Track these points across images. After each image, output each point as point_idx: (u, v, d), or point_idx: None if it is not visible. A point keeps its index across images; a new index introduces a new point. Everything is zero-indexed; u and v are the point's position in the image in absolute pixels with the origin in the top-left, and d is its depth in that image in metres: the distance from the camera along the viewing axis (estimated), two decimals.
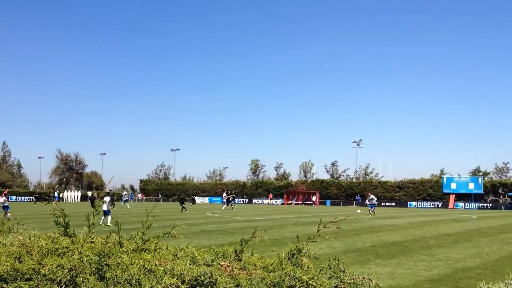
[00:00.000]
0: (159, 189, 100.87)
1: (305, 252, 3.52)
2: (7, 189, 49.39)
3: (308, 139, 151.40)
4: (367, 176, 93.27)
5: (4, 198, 30.85)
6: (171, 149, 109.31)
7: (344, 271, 3.23)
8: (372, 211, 38.63)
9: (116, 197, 74.18)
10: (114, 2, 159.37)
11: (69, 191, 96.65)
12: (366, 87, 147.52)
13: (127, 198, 64.14)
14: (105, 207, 28.20)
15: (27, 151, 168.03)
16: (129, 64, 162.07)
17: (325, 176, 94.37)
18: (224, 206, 51.25)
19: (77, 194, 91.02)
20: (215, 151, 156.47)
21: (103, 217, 26.87)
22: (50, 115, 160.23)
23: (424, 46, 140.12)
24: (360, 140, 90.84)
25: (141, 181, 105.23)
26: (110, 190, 79.50)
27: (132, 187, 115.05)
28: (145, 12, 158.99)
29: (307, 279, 3.04)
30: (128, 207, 57.48)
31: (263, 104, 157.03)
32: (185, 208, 43.48)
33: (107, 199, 29.05)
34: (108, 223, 25.99)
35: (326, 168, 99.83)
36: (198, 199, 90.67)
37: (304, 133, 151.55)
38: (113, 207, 43.46)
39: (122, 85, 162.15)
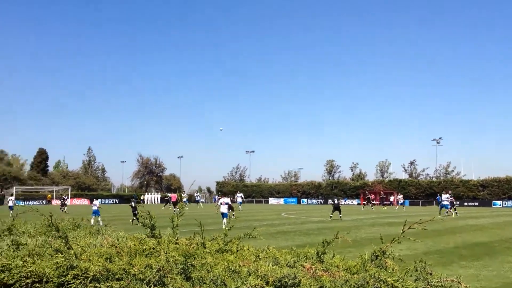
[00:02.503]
0: (235, 190, 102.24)
1: (389, 254, 3.44)
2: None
3: (384, 138, 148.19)
4: (447, 175, 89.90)
5: (97, 202, 32.53)
6: (246, 151, 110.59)
7: (431, 273, 3.12)
8: (450, 210, 37.04)
9: (192, 199, 76.05)
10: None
11: (149, 193, 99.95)
12: (445, 83, 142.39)
13: (199, 199, 66.32)
14: (95, 208, 30.23)
15: (110, 156, 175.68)
16: (202, 68, 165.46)
17: (403, 176, 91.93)
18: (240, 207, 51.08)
19: (157, 196, 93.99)
20: (290, 152, 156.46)
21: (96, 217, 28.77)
22: (131, 121, 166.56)
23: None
24: (440, 138, 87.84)
25: (218, 183, 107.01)
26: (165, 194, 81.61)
27: (208, 189, 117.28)
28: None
29: (392, 282, 2.97)
30: (202, 207, 58.99)
31: (338, 104, 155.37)
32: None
33: (95, 202, 31.39)
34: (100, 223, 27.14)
35: (404, 168, 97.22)
36: (273, 200, 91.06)
37: (381, 132, 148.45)
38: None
39: (199, 90, 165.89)
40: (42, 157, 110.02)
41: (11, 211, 34.88)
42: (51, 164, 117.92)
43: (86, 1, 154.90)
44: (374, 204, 55.98)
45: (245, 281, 2.60)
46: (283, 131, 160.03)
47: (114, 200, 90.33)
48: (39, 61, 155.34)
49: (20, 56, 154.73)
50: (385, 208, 57.19)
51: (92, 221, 29.30)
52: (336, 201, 34.89)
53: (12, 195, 51.03)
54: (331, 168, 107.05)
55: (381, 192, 68.29)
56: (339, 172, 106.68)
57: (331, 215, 33.53)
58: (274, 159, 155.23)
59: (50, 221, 3.87)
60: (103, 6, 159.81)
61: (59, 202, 65.39)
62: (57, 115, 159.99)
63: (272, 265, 3.03)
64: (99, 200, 35.26)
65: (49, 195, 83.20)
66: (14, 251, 3.43)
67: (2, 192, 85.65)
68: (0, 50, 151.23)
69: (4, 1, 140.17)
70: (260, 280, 2.66)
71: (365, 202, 58.98)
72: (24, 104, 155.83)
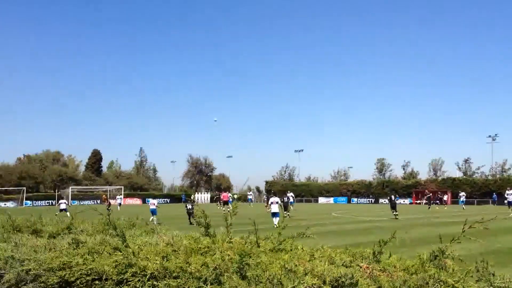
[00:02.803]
0: (285, 190, 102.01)
1: (448, 254, 3.33)
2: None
3: (437, 136, 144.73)
4: (504, 173, 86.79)
5: (155, 201, 33.29)
6: (295, 150, 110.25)
7: (493, 274, 3.01)
8: None
9: (242, 198, 76.58)
10: None
11: (199, 193, 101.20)
12: (498, 78, 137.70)
13: (250, 198, 66.72)
14: (153, 207, 30.73)
15: (161, 156, 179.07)
16: (241, 68, 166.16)
17: (457, 174, 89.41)
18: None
19: (207, 196, 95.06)
20: (339, 151, 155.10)
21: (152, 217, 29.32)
22: (181, 122, 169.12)
23: None
24: (496, 134, 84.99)
25: (267, 182, 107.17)
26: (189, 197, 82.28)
27: (257, 188, 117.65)
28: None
29: (453, 282, 2.88)
30: (251, 206, 59.25)
31: (388, 101, 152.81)
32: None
33: (153, 201, 32.33)
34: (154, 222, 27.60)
35: (458, 166, 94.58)
36: (322, 200, 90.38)
37: (433, 129, 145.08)
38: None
39: (246, 90, 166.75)
40: (96, 158, 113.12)
41: (67, 213, 35.74)
42: (104, 164, 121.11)
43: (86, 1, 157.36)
44: (428, 203, 54.58)
45: (302, 280, 2.58)
46: (332, 129, 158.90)
47: (165, 199, 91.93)
48: (94, 63, 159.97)
49: (72, 59, 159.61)
50: (438, 207, 55.77)
51: (152, 219, 30.07)
52: (392, 198, 34.41)
53: (62, 198, 52.37)
54: (382, 167, 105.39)
55: (427, 191, 66.40)
56: (390, 170, 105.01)
57: (396, 213, 33.03)
58: (323, 158, 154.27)
59: (108, 220, 3.96)
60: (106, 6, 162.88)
61: (113, 201, 67.12)
62: (111, 117, 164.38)
63: (328, 265, 2.99)
64: (157, 199, 35.93)
65: (104, 195, 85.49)
66: (74, 249, 3.53)
67: (59, 192, 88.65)
68: (56, 52, 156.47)
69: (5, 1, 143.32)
70: (317, 279, 2.63)
71: (426, 202, 57.42)
72: (79, 106, 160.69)
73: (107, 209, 48.23)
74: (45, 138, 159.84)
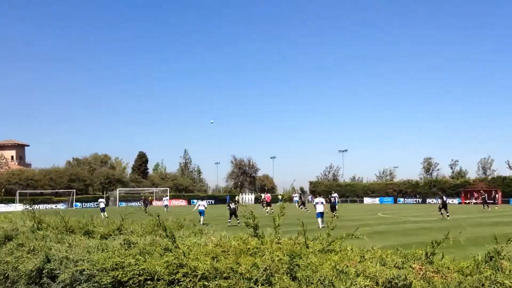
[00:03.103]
0: (329, 190, 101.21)
1: (504, 255, 3.23)
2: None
3: (486, 134, 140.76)
4: None
5: (204, 202, 33.76)
6: (339, 150, 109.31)
7: None
8: None
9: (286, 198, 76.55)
10: None
11: (243, 194, 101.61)
12: None
13: (297, 199, 66.71)
14: (202, 208, 30.98)
15: (205, 157, 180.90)
16: (301, 68, 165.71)
17: (508, 173, 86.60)
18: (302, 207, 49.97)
19: (251, 197, 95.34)
20: (384, 150, 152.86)
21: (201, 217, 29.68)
22: (224, 123, 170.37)
23: None
24: None
25: (311, 182, 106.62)
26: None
27: (302, 189, 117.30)
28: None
29: (510, 284, 2.78)
30: (297, 207, 59.21)
31: (435, 99, 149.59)
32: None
33: (202, 202, 33.15)
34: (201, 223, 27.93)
35: (508, 164, 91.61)
36: (368, 200, 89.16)
37: (482, 128, 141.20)
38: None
39: (289, 90, 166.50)
40: (142, 160, 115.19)
41: (103, 213, 36.20)
42: (150, 166, 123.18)
43: None
44: (483, 203, 53.00)
45: (354, 281, 2.54)
46: (377, 129, 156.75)
47: (210, 200, 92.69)
48: (141, 66, 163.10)
49: (121, 62, 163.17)
50: (486, 207, 54.12)
51: (200, 220, 30.54)
52: (444, 198, 33.94)
53: (102, 197, 53.37)
54: (429, 166, 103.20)
55: (482, 191, 64.40)
56: (438, 170, 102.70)
57: (448, 213, 32.48)
58: (368, 158, 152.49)
59: (157, 221, 4.02)
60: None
61: (159, 203, 68.26)
62: (156, 119, 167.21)
63: (379, 266, 2.94)
64: (205, 200, 36.28)
65: (150, 197, 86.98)
66: (126, 249, 3.60)
67: (107, 194, 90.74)
68: (104, 55, 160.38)
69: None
70: (369, 281, 2.59)
71: (481, 201, 55.66)
72: (125, 110, 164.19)
73: (144, 208, 49.17)
74: (93, 142, 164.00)
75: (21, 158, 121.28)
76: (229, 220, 29.91)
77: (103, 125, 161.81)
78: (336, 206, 35.38)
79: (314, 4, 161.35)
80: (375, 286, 2.56)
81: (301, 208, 49.42)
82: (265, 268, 2.76)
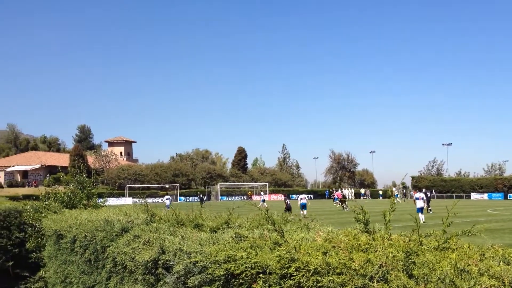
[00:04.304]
0: (432, 185, 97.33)
1: None
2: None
3: None
4: None
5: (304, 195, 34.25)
6: (443, 144, 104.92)
7: None
8: None
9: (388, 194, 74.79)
10: None
11: (343, 189, 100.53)
12: None
13: (398, 194, 65.35)
14: (304, 201, 30.74)
15: (304, 152, 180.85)
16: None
17: None
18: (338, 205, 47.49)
19: (351, 192, 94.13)
20: (492, 144, 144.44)
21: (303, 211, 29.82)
22: (322, 117, 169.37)
23: None
24: None
25: (413, 177, 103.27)
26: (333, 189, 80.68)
27: (403, 184, 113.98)
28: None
29: None
30: (399, 201, 57.85)
31: None
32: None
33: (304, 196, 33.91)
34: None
35: None
36: (475, 196, 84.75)
37: None
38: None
39: (391, 83, 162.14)
40: (241, 155, 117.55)
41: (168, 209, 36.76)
42: (249, 161, 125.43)
43: None
44: None
45: (478, 281, 2.40)
46: (483, 121, 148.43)
47: (309, 195, 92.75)
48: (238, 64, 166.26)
49: (221, 63, 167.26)
50: None
51: (302, 213, 30.83)
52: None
53: (167, 193, 53.97)
54: None
55: None
56: None
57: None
58: (474, 152, 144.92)
59: (266, 215, 4.06)
60: None
61: (257, 198, 69.31)
62: (254, 115, 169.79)
63: (503, 265, 2.76)
64: (303, 194, 36.59)
65: (250, 192, 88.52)
66: (236, 243, 3.66)
67: (208, 188, 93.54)
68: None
69: None
70: (495, 280, 2.44)
71: None
72: (223, 107, 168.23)
73: (201, 204, 49.71)
74: (195, 138, 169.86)
75: (129, 154, 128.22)
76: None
77: (204, 121, 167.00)
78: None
79: None
80: (501, 286, 2.40)
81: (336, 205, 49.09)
82: (380, 264, 2.69)
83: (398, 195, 66.13)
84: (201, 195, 69.78)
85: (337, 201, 50.03)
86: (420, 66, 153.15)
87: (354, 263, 2.79)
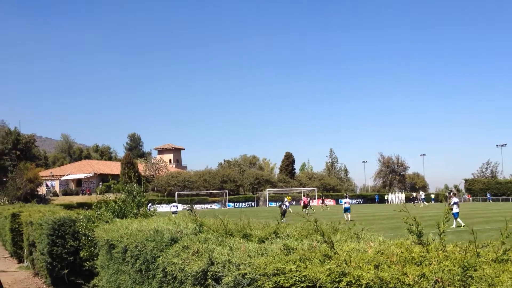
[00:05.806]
0: (487, 188, 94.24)
1: None
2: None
3: None
4: None
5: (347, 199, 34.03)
6: (497, 145, 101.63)
7: None
8: None
9: (440, 198, 72.97)
10: None
11: (393, 193, 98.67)
12: None
13: (424, 198, 65.14)
14: (347, 205, 30.37)
15: (352, 156, 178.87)
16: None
17: None
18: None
19: (401, 196, 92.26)
20: None
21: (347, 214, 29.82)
22: (369, 118, 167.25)
23: None
24: None
25: (466, 180, 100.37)
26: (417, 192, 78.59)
27: (456, 187, 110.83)
28: None
29: None
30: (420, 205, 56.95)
31: None
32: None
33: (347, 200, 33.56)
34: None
35: None
36: None
37: None
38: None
39: (439, 84, 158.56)
40: (289, 160, 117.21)
41: (174, 215, 36.35)
42: (297, 166, 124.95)
43: None
44: None
45: None
46: None
47: (358, 200, 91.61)
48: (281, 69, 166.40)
49: (261, 66, 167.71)
50: None
51: (346, 217, 30.56)
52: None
53: (175, 201, 54.02)
54: None
55: None
56: None
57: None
58: None
59: (315, 226, 3.98)
60: None
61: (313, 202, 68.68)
62: (301, 120, 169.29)
63: None
64: (347, 198, 36.22)
65: (289, 197, 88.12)
66: (286, 255, 3.61)
67: (257, 194, 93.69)
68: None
69: None
70: None
71: None
72: (271, 113, 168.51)
73: (304, 210, 49.78)
74: (242, 144, 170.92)
75: (178, 161, 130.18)
76: (282, 220, 29.77)
77: (251, 127, 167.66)
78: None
79: None
80: None
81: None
82: (436, 280, 2.58)
83: (423, 199, 65.64)
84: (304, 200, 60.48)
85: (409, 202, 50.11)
86: (474, 68, 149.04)
87: (408, 278, 2.69)
